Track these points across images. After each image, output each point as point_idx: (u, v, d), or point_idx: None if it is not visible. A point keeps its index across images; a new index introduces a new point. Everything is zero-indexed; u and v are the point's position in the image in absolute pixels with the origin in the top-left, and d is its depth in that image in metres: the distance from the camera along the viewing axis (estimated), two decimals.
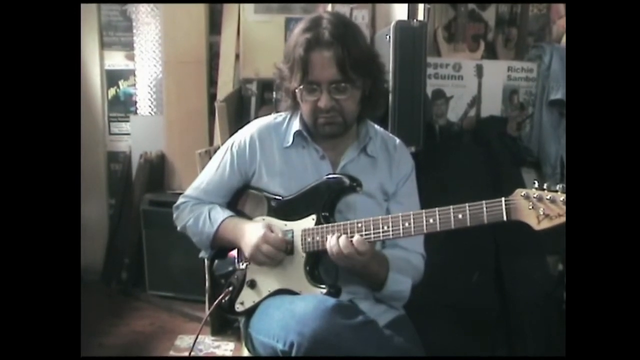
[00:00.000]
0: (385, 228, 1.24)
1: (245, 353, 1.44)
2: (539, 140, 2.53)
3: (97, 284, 3.06)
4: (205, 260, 1.73)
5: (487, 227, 1.16)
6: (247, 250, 1.35)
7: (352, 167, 1.42)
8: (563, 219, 1.08)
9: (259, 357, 1.34)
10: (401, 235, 1.24)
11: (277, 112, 1.52)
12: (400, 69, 2.01)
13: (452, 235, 1.22)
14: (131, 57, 3.13)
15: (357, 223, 1.27)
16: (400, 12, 2.41)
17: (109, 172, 3.22)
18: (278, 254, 1.32)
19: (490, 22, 2.66)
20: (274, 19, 2.82)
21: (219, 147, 1.55)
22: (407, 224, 1.22)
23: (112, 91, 3.18)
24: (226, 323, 2.48)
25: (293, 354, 1.14)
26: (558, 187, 1.10)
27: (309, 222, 1.34)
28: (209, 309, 1.83)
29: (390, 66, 1.99)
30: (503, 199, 1.14)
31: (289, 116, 1.47)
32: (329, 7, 2.72)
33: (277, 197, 1.41)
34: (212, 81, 2.97)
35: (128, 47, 3.12)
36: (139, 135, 3.13)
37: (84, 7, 2.97)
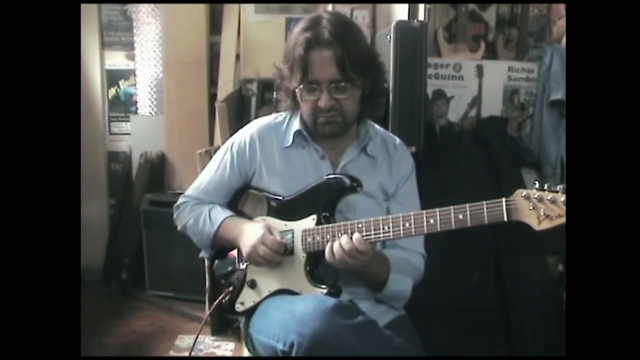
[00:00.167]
0: (386, 228, 1.24)
1: (245, 353, 1.44)
2: (540, 140, 2.53)
3: (97, 284, 3.06)
4: (206, 260, 1.73)
5: (487, 227, 1.16)
6: (244, 250, 1.35)
7: (352, 167, 1.42)
8: (563, 220, 1.08)
9: (259, 357, 1.34)
10: (402, 235, 1.23)
11: (277, 112, 1.52)
12: (401, 69, 2.01)
13: (453, 236, 1.22)
14: (131, 57, 3.13)
15: (358, 223, 1.26)
16: (400, 12, 2.41)
17: (109, 172, 3.22)
18: (275, 256, 1.32)
19: (490, 23, 2.66)
20: (274, 19, 2.82)
21: (219, 147, 1.55)
22: (407, 225, 1.22)
23: (112, 91, 3.18)
24: (226, 323, 2.48)
25: (293, 354, 1.13)
26: (558, 187, 1.10)
27: (309, 222, 1.34)
28: (209, 309, 1.83)
29: (390, 66, 1.99)
30: (504, 199, 1.14)
31: (289, 116, 1.47)
32: (330, 7, 2.72)
33: (277, 197, 1.41)
34: (213, 81, 2.97)
35: (128, 47, 3.12)
36: (139, 135, 3.13)
37: (84, 7, 2.97)
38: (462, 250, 2.00)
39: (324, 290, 1.28)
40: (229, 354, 2.37)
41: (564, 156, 2.45)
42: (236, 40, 2.87)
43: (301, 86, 1.34)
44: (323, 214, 1.33)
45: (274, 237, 1.32)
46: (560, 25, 2.69)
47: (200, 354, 2.37)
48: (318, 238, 1.31)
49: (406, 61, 2.01)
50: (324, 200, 1.34)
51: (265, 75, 2.76)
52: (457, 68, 2.50)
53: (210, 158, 1.55)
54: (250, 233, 1.34)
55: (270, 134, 1.46)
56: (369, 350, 1.13)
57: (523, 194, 1.12)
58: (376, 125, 1.52)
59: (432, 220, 1.20)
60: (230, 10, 2.89)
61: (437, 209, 1.20)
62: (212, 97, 2.92)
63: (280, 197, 1.40)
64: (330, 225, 1.30)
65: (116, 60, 3.15)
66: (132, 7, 3.09)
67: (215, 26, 2.96)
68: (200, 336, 1.83)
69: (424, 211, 1.22)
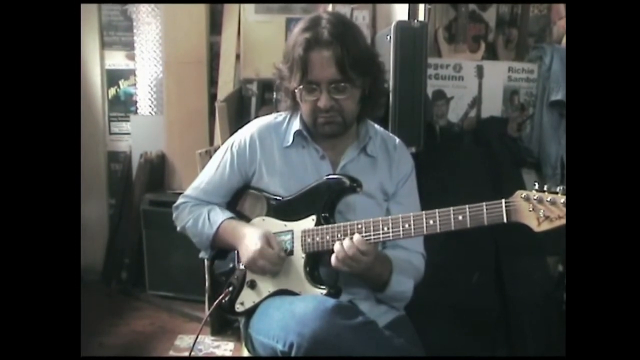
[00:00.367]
0: (385, 229, 1.24)
1: (245, 353, 1.44)
2: (540, 141, 2.53)
3: (97, 284, 3.06)
4: (205, 261, 1.72)
5: (487, 228, 1.16)
6: (243, 259, 1.35)
7: (352, 167, 1.42)
8: (563, 221, 1.07)
9: (259, 357, 1.34)
10: (401, 236, 1.23)
11: (277, 112, 1.52)
12: (401, 70, 2.01)
13: (453, 236, 1.22)
14: (132, 57, 3.13)
15: (357, 224, 1.26)
16: (400, 12, 2.41)
17: (109, 172, 3.22)
18: (273, 268, 1.32)
19: (490, 23, 2.66)
20: (274, 19, 2.82)
21: (219, 147, 1.55)
22: (407, 226, 1.22)
23: (112, 91, 3.18)
24: (226, 323, 2.48)
25: (293, 355, 1.13)
26: (558, 188, 1.10)
27: (309, 222, 1.34)
28: (209, 309, 1.83)
29: (390, 66, 1.99)
30: (503, 200, 1.14)
31: (289, 116, 1.47)
32: (330, 7, 2.72)
33: (277, 197, 1.40)
34: (213, 81, 2.96)
35: (128, 46, 3.12)
36: (139, 135, 3.13)
37: (84, 7, 2.97)
38: (462, 251, 2.00)
39: (323, 290, 1.28)
40: (228, 354, 2.37)
41: (564, 157, 2.45)
42: (236, 40, 2.86)
43: (301, 86, 1.34)
44: (322, 214, 1.33)
45: (273, 252, 1.31)
46: (560, 25, 2.69)
47: (200, 354, 2.37)
48: (317, 239, 1.31)
49: (406, 61, 2.01)
50: (323, 201, 1.34)
51: (265, 76, 2.75)
52: (457, 68, 2.50)
53: (210, 158, 1.55)
54: (250, 241, 1.33)
55: (270, 134, 1.45)
56: (368, 351, 1.13)
57: (523, 195, 1.12)
58: (376, 125, 1.52)
59: (431, 222, 1.20)
60: (230, 10, 2.89)
61: (437, 210, 1.20)
62: (212, 97, 2.92)
63: (280, 197, 1.40)
64: (330, 225, 1.30)
65: (116, 60, 3.15)
66: (132, 7, 3.09)
67: (215, 26, 2.96)
68: (200, 336, 1.82)
69: (424, 212, 1.22)
